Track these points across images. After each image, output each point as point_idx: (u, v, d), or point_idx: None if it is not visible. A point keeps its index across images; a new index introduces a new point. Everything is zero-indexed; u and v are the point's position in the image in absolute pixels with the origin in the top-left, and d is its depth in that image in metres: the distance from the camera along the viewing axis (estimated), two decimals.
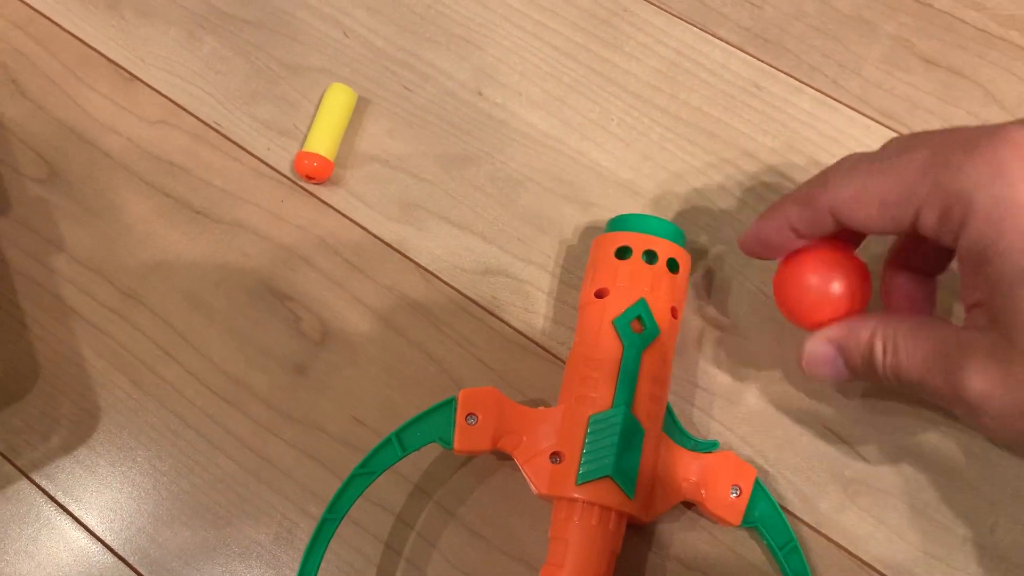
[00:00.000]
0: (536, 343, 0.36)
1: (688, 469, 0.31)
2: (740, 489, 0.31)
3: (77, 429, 0.36)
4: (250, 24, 0.42)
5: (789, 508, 0.33)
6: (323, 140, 0.38)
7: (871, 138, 0.38)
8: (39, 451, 0.35)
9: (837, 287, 0.29)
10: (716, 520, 0.31)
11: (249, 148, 0.40)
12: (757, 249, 0.31)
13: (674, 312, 0.32)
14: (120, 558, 0.33)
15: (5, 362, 0.37)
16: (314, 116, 0.39)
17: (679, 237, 0.33)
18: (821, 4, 0.40)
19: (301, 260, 0.38)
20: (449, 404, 0.31)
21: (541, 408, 0.31)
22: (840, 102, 0.39)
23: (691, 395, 0.35)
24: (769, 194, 0.37)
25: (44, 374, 0.36)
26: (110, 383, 0.36)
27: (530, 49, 0.41)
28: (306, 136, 0.39)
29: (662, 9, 0.41)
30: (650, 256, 0.32)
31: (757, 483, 0.31)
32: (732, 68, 0.40)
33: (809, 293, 0.30)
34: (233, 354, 0.36)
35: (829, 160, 0.35)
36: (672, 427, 0.32)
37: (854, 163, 0.27)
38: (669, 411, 0.32)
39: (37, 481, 0.35)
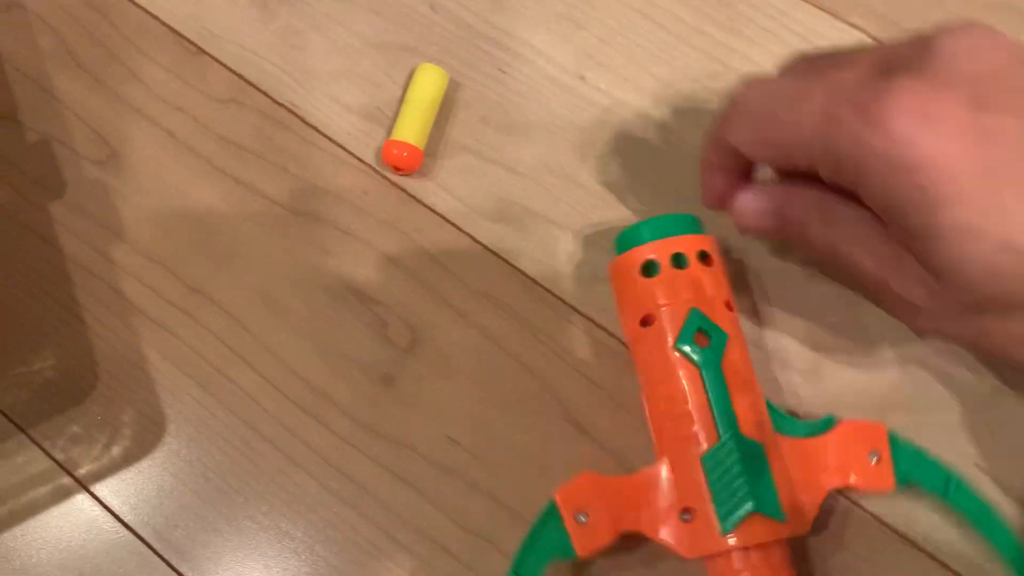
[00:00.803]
0: None
1: (820, 458, 0.28)
2: (878, 452, 0.28)
3: (141, 439, 0.32)
4: None
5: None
6: (412, 127, 0.34)
7: None
8: (100, 462, 0.32)
9: None
10: (869, 493, 0.29)
11: (328, 133, 0.36)
12: (716, 203, 0.30)
13: (728, 304, 0.29)
14: None
15: (61, 361, 0.33)
16: (401, 99, 0.36)
17: (696, 224, 0.30)
18: None
19: (387, 259, 0.34)
20: (551, 514, 0.27)
21: (643, 471, 0.28)
22: None
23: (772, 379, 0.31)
24: None
25: (104, 376, 0.33)
26: (177, 388, 0.33)
27: (638, 30, 0.37)
28: (393, 122, 0.35)
29: None
30: (678, 260, 0.29)
31: (891, 437, 0.28)
32: None
33: None
34: (313, 360, 0.33)
35: None
36: (782, 423, 0.29)
37: (754, 103, 0.26)
38: (769, 407, 0.29)
39: (98, 495, 0.32)
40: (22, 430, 0.33)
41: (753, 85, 0.27)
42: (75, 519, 0.31)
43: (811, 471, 0.28)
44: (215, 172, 0.36)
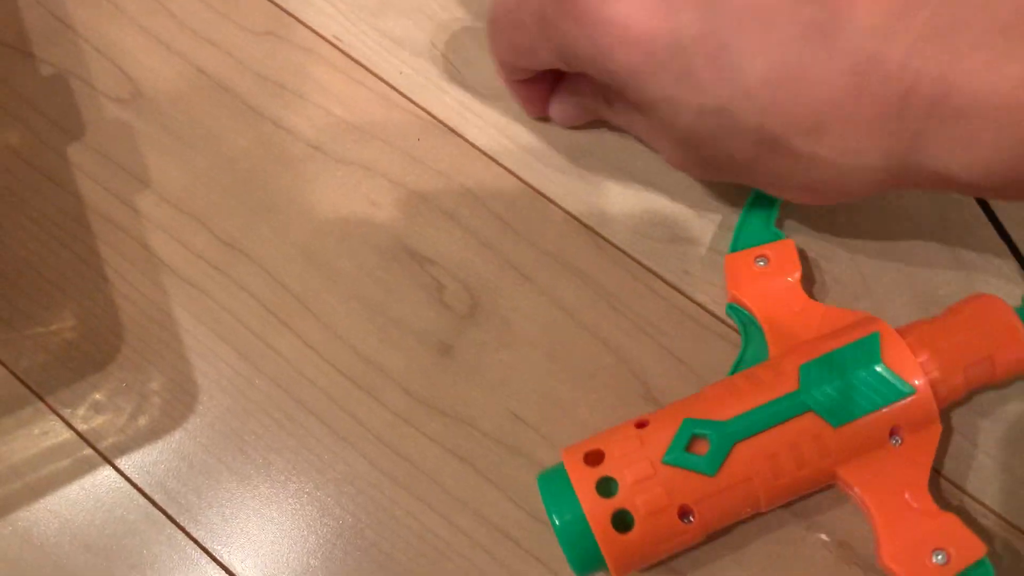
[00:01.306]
0: (730, 326, 0.29)
1: None
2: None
3: (171, 409, 0.29)
4: None
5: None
6: None
7: None
8: (126, 434, 0.29)
9: None
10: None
11: (376, 71, 0.32)
12: (537, 113, 0.31)
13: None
14: (227, 570, 0.27)
15: (82, 321, 0.30)
16: None
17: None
18: None
19: (443, 214, 0.31)
20: None
21: None
22: None
23: None
24: None
25: (129, 339, 0.30)
26: (210, 354, 0.30)
27: None
28: None
29: None
30: None
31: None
32: None
33: None
34: (363, 325, 0.30)
35: None
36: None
37: (497, 19, 0.27)
38: None
39: (123, 470, 0.29)
40: (39, 397, 0.30)
41: (495, 1, 0.27)
42: (98, 496, 0.29)
43: (796, 315, 0.28)
44: (251, 113, 0.32)
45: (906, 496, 0.25)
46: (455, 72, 0.33)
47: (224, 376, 0.29)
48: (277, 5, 0.33)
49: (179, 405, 0.29)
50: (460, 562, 0.27)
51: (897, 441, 0.25)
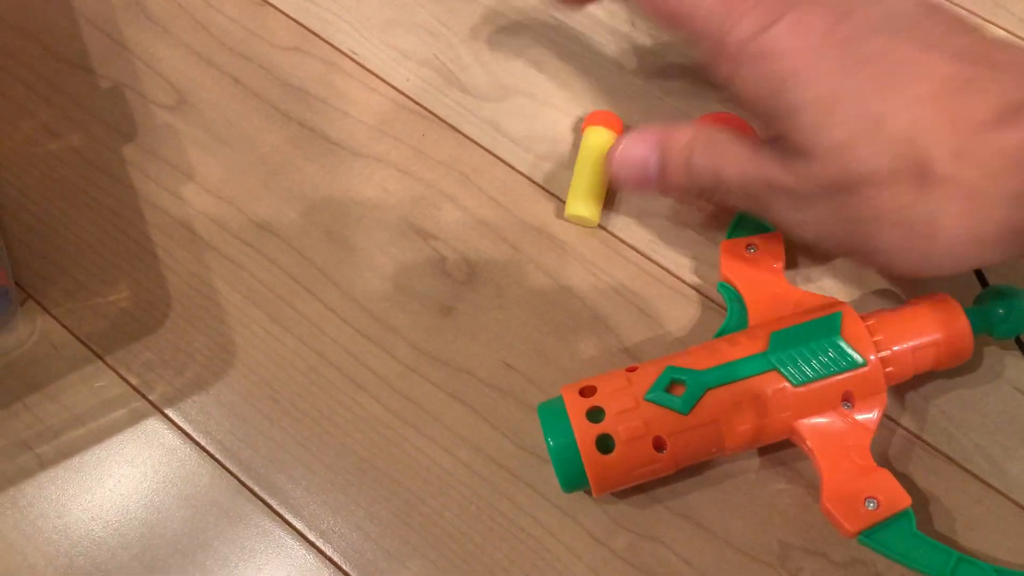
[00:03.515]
0: (693, 287, 0.34)
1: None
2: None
3: (212, 364, 0.34)
4: None
5: (976, 471, 0.31)
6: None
7: None
8: (173, 386, 0.34)
9: None
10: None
11: (387, 78, 0.38)
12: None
13: None
14: (258, 497, 0.32)
15: (136, 293, 0.35)
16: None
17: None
18: None
19: (445, 197, 0.36)
20: None
21: None
22: None
23: None
24: None
25: (176, 307, 0.35)
26: (246, 317, 0.34)
27: None
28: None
29: None
30: None
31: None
32: None
33: None
34: (376, 291, 0.34)
35: None
36: None
37: None
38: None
39: (172, 417, 0.33)
40: (99, 356, 0.34)
41: None
42: (150, 439, 0.33)
43: (776, 297, 0.31)
44: (280, 116, 0.37)
45: (850, 454, 0.28)
46: (453, 78, 0.38)
47: (257, 336, 0.34)
48: (301, 24, 0.39)
49: (218, 361, 0.34)
50: (461, 488, 0.32)
51: (848, 406, 0.29)
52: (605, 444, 0.28)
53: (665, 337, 0.33)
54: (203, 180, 0.37)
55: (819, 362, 0.28)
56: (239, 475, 0.32)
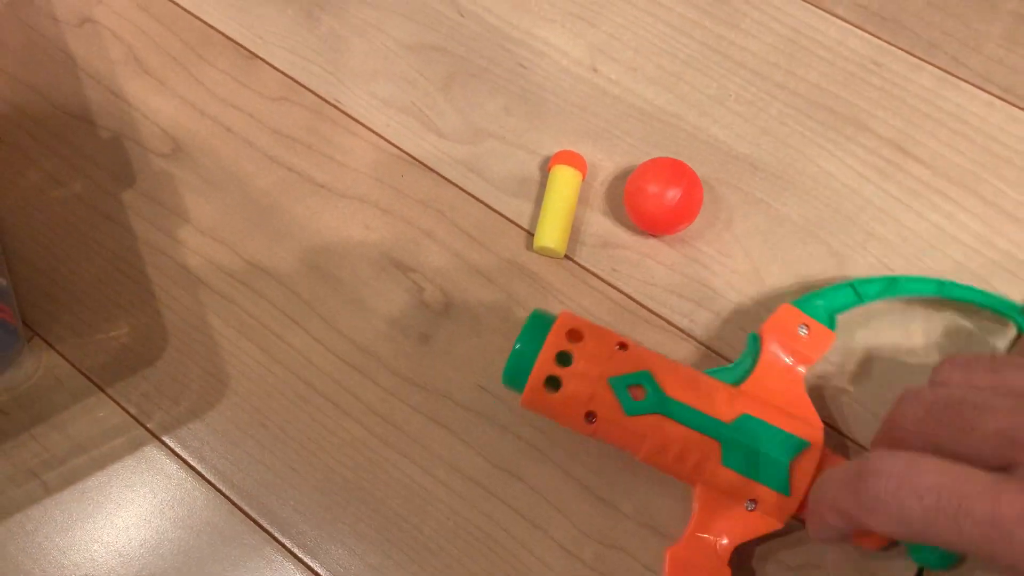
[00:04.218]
0: (654, 312, 0.36)
1: (775, 370, 0.32)
2: (805, 324, 0.32)
3: (206, 394, 0.36)
4: (366, 4, 0.43)
5: None
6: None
7: (995, 115, 0.38)
8: (170, 415, 0.36)
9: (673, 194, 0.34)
10: (823, 354, 0.32)
11: (369, 124, 0.40)
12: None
13: (623, 344, 0.32)
14: (250, 518, 0.34)
15: (135, 328, 0.38)
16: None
17: (545, 319, 0.32)
18: None
19: (423, 233, 0.38)
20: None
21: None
22: (961, 79, 0.39)
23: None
24: (891, 170, 0.37)
25: (173, 340, 0.37)
26: (238, 350, 0.37)
27: (643, 25, 0.41)
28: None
29: None
30: (563, 358, 0.31)
31: (802, 302, 0.32)
32: (850, 45, 0.40)
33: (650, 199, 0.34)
34: (359, 323, 0.37)
35: (948, 137, 0.36)
36: (727, 375, 0.32)
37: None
38: (711, 372, 0.32)
39: (169, 443, 0.36)
40: (101, 388, 0.37)
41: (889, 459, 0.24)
42: (148, 465, 0.35)
43: (781, 383, 0.31)
44: (269, 161, 0.40)
45: (724, 528, 0.30)
46: (430, 123, 0.41)
47: (248, 367, 0.37)
48: (288, 76, 0.42)
49: (212, 391, 0.36)
50: (439, 505, 0.34)
51: (751, 506, 0.30)
52: (554, 383, 0.30)
53: None
54: (197, 222, 0.39)
55: (755, 465, 0.29)
56: (232, 497, 0.34)
